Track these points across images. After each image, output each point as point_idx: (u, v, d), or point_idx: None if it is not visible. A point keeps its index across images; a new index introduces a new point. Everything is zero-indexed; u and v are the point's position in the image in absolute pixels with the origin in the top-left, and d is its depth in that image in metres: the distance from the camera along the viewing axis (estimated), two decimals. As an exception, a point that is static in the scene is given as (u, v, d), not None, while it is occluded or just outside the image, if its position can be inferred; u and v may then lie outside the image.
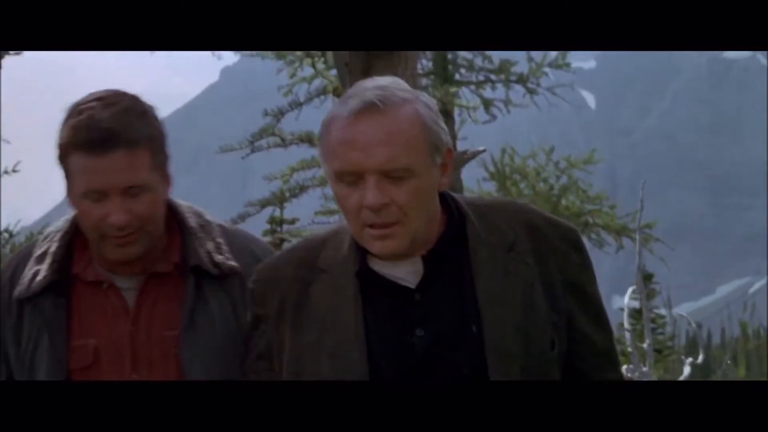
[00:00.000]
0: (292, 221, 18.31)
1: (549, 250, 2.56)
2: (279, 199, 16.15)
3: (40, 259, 2.89)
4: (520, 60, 18.59)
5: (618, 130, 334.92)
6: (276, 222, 18.82)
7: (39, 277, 2.84)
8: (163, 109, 2.87)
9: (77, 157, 2.71)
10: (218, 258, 2.88)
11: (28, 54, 17.89)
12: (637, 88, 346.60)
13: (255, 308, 2.67)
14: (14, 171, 16.54)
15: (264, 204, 16.10)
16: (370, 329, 2.50)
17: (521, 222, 2.57)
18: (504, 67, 18.21)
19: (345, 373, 2.47)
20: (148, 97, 2.80)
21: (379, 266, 2.54)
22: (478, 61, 18.32)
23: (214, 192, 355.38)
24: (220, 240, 2.94)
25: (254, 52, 15.84)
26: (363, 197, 2.39)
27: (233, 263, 2.89)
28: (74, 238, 2.90)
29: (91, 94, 2.79)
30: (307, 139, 15.57)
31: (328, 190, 16.78)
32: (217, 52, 14.53)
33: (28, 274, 2.87)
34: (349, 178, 2.41)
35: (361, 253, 2.54)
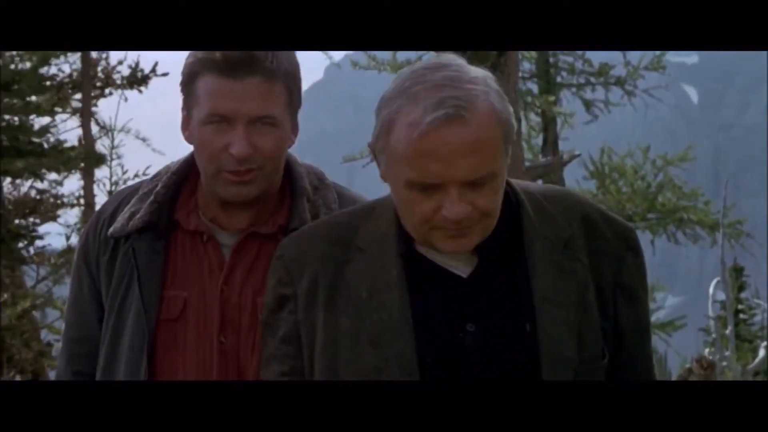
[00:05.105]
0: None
1: (603, 249, 2.36)
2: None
3: (143, 198, 2.67)
4: (617, 64, 18.36)
5: (719, 126, 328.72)
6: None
7: (137, 217, 2.64)
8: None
9: (208, 78, 2.50)
10: None
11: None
12: (737, 83, 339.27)
13: (279, 288, 2.40)
14: (144, 175, 17.70)
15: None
16: (415, 318, 2.27)
17: (577, 215, 2.37)
18: (603, 70, 18.11)
19: (390, 365, 2.25)
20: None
21: (424, 250, 2.31)
22: (579, 65, 18.23)
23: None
24: (334, 206, 2.67)
25: (370, 65, 15.92)
26: (442, 206, 2.18)
27: None
28: (183, 181, 2.69)
29: None
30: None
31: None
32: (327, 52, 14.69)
33: (127, 212, 2.66)
34: (424, 186, 2.18)
35: (405, 232, 2.31)
